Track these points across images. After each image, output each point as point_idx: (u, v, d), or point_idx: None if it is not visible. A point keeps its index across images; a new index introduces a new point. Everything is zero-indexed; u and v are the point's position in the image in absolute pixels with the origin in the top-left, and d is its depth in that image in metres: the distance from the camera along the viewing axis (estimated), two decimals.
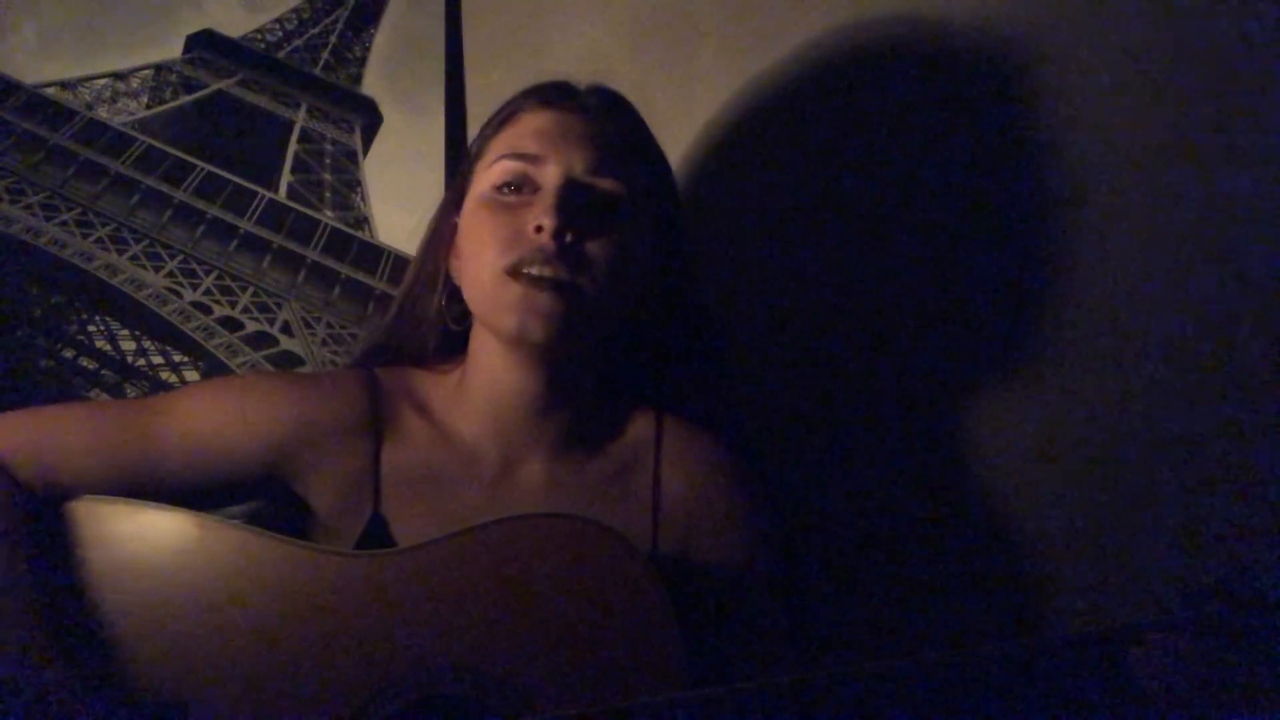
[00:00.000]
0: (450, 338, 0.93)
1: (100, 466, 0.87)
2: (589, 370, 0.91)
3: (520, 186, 0.87)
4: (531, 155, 0.87)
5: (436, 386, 0.93)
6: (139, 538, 0.83)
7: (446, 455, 0.90)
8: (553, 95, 0.91)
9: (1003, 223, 0.97)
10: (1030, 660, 0.66)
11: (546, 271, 0.82)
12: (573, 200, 0.84)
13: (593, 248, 0.84)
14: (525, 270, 0.83)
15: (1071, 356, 0.92)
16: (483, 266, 0.85)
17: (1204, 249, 0.84)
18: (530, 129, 0.89)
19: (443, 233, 0.93)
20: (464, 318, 0.91)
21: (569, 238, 0.83)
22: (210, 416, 0.89)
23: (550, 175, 0.86)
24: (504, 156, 0.88)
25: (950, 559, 1.00)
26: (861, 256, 1.07)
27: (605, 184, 0.86)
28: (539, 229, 0.83)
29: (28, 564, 0.79)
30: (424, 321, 0.94)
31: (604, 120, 0.90)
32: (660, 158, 0.94)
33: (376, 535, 0.88)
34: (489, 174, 0.88)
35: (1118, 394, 0.88)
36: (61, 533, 0.82)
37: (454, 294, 0.91)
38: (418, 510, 0.88)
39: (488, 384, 0.89)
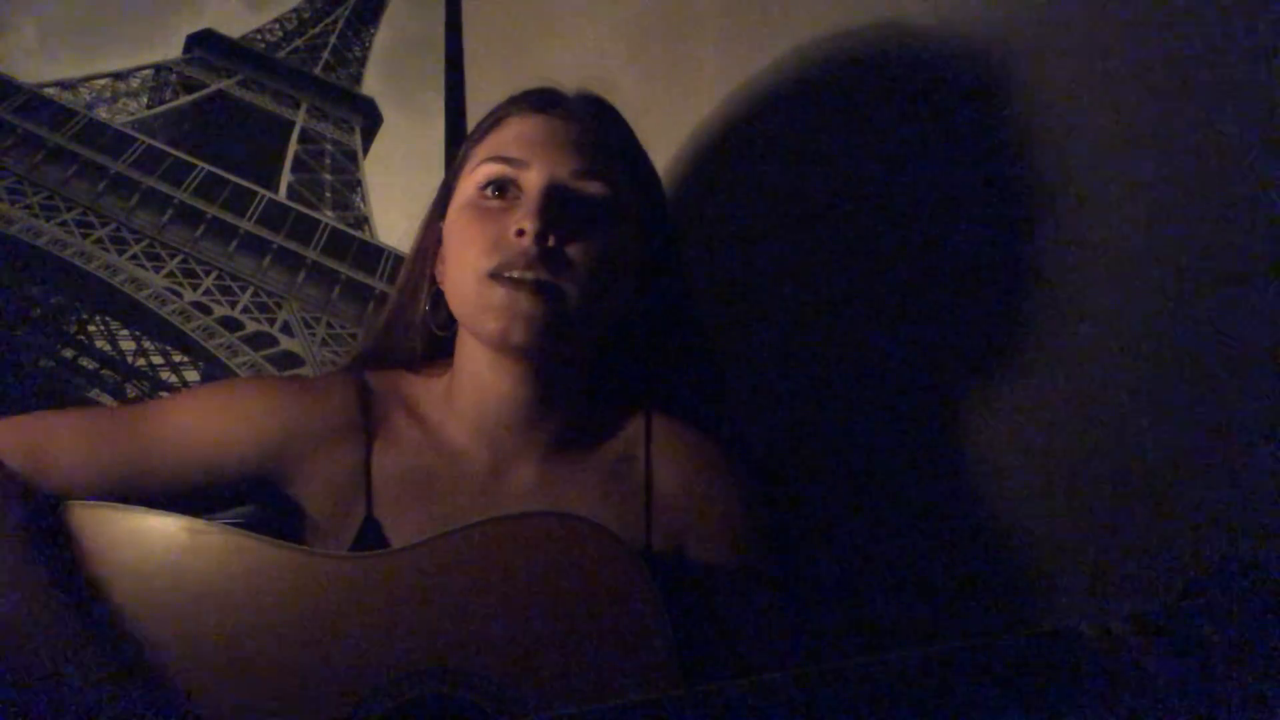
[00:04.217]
0: (440, 341, 0.92)
1: (93, 472, 0.85)
2: (578, 374, 0.90)
3: (504, 190, 0.86)
4: (515, 159, 0.86)
5: (427, 390, 0.92)
6: (130, 543, 0.82)
7: (437, 458, 0.89)
8: (539, 101, 0.90)
9: (999, 223, 0.97)
10: (1025, 654, 0.66)
11: (528, 274, 0.81)
12: (556, 204, 0.83)
13: (575, 251, 0.83)
14: (507, 274, 0.82)
15: (1063, 353, 0.92)
16: (465, 270, 0.84)
17: (1193, 244, 0.84)
18: (515, 134, 0.88)
19: (428, 238, 0.92)
20: (449, 324, 0.91)
21: (551, 241, 0.82)
22: (202, 421, 0.88)
23: (534, 179, 0.85)
24: (488, 160, 0.87)
25: (943, 555, 1.00)
26: (856, 256, 1.07)
27: (590, 188, 0.85)
28: (521, 233, 0.82)
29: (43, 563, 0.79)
30: (412, 327, 0.93)
31: (590, 125, 0.89)
32: (647, 163, 0.93)
33: (370, 539, 0.86)
34: (473, 177, 0.87)
35: (1110, 389, 0.88)
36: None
37: (438, 300, 0.91)
38: (410, 514, 0.87)
39: (475, 390, 0.89)
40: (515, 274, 0.81)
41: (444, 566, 0.77)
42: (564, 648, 0.75)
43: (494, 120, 0.90)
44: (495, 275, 0.81)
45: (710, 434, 0.92)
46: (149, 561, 0.80)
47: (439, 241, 0.90)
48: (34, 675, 0.72)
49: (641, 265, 0.89)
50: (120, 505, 0.83)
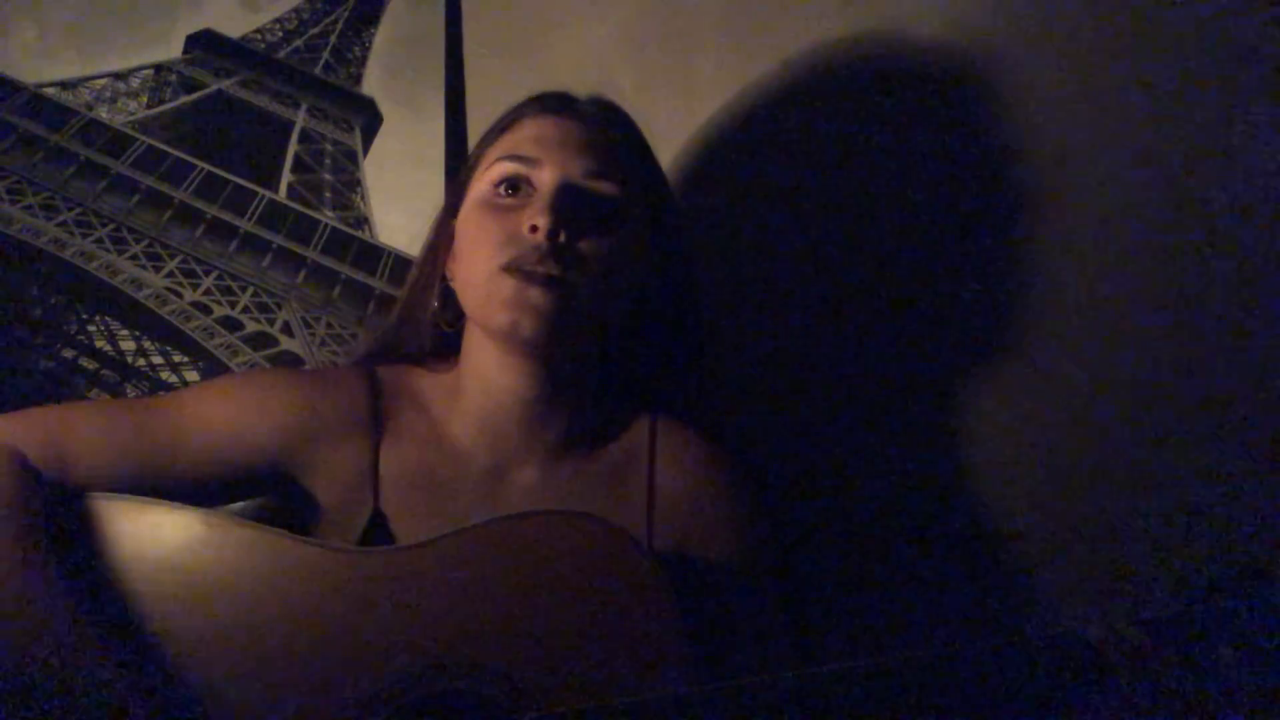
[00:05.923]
0: (448, 338, 0.93)
1: (112, 464, 0.86)
2: (584, 373, 0.91)
3: (517, 188, 0.88)
4: (529, 158, 0.88)
5: (434, 386, 0.94)
6: (146, 536, 0.82)
7: (441, 456, 0.90)
8: (552, 103, 0.92)
9: (997, 225, 0.97)
10: (1031, 657, 0.66)
11: (540, 269, 0.83)
12: (568, 202, 0.85)
13: (586, 247, 0.85)
14: (519, 268, 0.83)
15: (1052, 353, 0.92)
16: (478, 264, 0.86)
17: (1177, 243, 0.85)
18: (529, 134, 0.90)
19: (441, 236, 0.94)
20: (457, 320, 0.92)
21: (563, 237, 0.84)
22: (220, 411, 0.89)
23: (546, 177, 0.87)
24: (502, 158, 0.89)
25: (939, 556, 1.01)
26: (853, 259, 1.08)
27: (601, 187, 0.87)
28: (534, 229, 0.84)
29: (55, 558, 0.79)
30: (422, 322, 0.94)
31: (601, 127, 0.91)
32: (655, 165, 0.95)
33: (377, 532, 0.88)
34: (487, 175, 0.89)
35: (1098, 389, 0.89)
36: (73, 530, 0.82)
37: (448, 297, 0.92)
38: (416, 509, 0.88)
39: (481, 387, 0.90)
40: (527, 268, 0.82)
41: (459, 562, 0.78)
42: (576, 643, 0.76)
43: (508, 121, 0.92)
44: (507, 269, 0.83)
45: (714, 437, 0.93)
46: (165, 553, 0.81)
47: (451, 239, 0.91)
48: (44, 671, 0.72)
49: (649, 264, 0.90)
50: (137, 497, 0.83)
